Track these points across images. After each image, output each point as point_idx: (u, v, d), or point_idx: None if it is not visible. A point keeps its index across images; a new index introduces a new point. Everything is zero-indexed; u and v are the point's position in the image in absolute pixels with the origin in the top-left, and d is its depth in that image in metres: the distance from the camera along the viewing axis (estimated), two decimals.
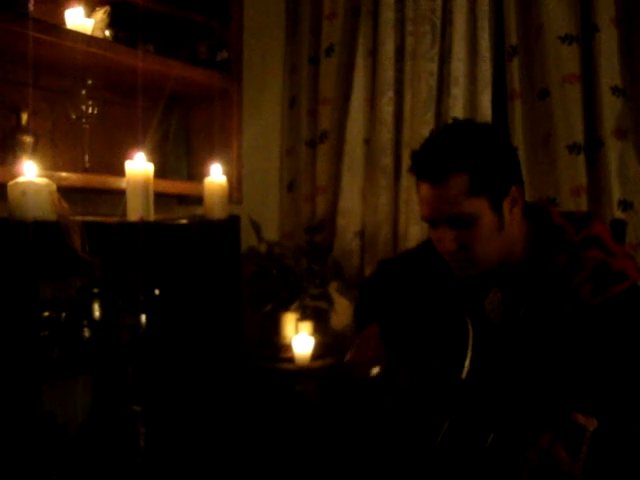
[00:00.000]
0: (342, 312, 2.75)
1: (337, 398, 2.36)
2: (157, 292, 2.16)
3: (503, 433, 1.19)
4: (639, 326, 1.31)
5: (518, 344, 1.39)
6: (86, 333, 1.96)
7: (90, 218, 1.82)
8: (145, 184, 1.89)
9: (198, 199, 2.23)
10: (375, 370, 1.50)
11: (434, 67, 2.68)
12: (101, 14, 2.23)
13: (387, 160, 2.80)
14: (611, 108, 2.33)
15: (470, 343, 1.34)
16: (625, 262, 1.37)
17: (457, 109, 2.60)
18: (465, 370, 1.31)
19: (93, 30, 2.17)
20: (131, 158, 1.89)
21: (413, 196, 2.69)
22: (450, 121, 2.56)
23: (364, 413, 1.55)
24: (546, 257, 1.41)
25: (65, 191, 1.75)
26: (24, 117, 2.07)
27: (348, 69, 2.92)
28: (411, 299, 1.62)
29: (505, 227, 1.40)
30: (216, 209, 2.17)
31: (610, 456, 1.04)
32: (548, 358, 1.33)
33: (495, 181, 1.37)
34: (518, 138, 2.50)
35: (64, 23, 2.09)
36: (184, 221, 2.19)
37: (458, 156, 1.35)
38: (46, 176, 1.67)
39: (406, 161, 2.73)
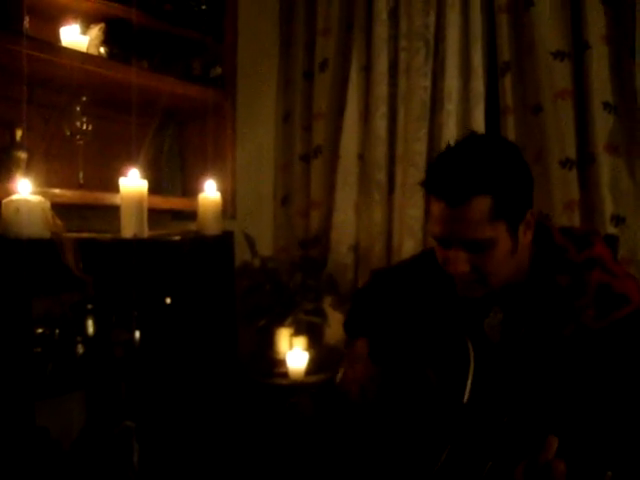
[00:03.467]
0: (336, 327, 2.74)
1: (331, 417, 2.35)
2: (151, 308, 2.16)
3: (501, 461, 1.16)
4: None
5: (518, 367, 1.35)
6: (80, 349, 1.96)
7: (84, 235, 1.82)
8: (139, 201, 1.89)
9: (192, 214, 2.24)
10: (366, 390, 1.49)
11: (427, 83, 2.70)
12: (96, 31, 2.24)
13: (381, 175, 2.81)
14: (603, 124, 2.35)
15: (471, 366, 1.31)
16: (628, 284, 1.34)
17: (450, 124, 2.62)
18: (467, 393, 1.28)
19: (88, 47, 2.18)
20: (125, 174, 1.90)
21: (407, 211, 2.70)
22: (445, 137, 2.58)
23: (359, 433, 1.54)
24: (548, 278, 1.38)
25: (59, 207, 1.75)
26: (18, 133, 2.07)
27: (342, 84, 2.93)
28: (406, 315, 1.58)
29: (518, 250, 1.37)
30: (210, 224, 2.17)
31: None
32: (548, 383, 1.30)
33: (515, 205, 1.33)
34: None
35: (59, 40, 2.10)
36: (178, 237, 2.19)
37: (482, 177, 1.28)
38: (40, 193, 1.67)
39: (400, 176, 2.75)
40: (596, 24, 2.34)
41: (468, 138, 1.44)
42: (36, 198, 1.64)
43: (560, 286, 1.35)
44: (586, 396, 1.25)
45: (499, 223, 1.31)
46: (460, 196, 1.28)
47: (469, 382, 1.29)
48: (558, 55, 2.41)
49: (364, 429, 1.51)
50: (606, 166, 2.34)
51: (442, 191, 1.32)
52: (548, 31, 2.42)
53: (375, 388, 1.49)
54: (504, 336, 1.43)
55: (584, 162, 2.40)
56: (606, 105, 2.35)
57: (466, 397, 1.28)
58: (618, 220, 2.34)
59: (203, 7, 2.57)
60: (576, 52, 2.41)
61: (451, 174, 1.31)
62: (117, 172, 1.93)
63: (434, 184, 1.35)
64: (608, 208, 2.34)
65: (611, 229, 2.31)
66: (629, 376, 1.25)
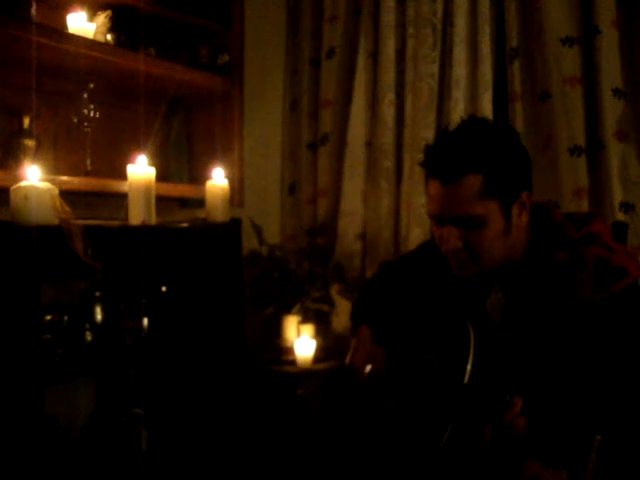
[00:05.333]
0: (343, 314, 2.74)
1: (337, 402, 2.35)
2: (159, 295, 2.16)
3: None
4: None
5: (520, 344, 1.38)
6: (88, 336, 1.96)
7: (92, 222, 1.82)
8: (147, 188, 1.89)
9: (200, 202, 2.24)
10: (373, 374, 1.50)
11: (435, 69, 2.68)
12: (103, 18, 2.24)
13: (388, 163, 2.80)
14: (612, 110, 2.33)
15: (472, 347, 1.33)
16: (626, 258, 1.36)
17: (458, 111, 2.60)
18: (467, 374, 1.30)
19: (95, 34, 2.18)
20: (133, 161, 1.90)
21: (414, 199, 2.69)
22: (452, 123, 2.56)
23: (365, 416, 1.55)
24: (546, 255, 1.41)
25: (67, 195, 1.76)
26: (26, 121, 2.08)
27: (349, 71, 2.92)
28: (411, 301, 1.61)
29: (511, 231, 1.39)
30: (218, 212, 2.17)
31: (618, 462, 1.03)
32: (550, 358, 1.33)
33: (508, 185, 1.36)
34: None
35: (66, 27, 2.10)
36: (186, 224, 2.19)
37: (474, 156, 1.34)
38: (48, 180, 1.68)
39: (408, 163, 2.74)
40: (606, 8, 2.31)
41: (466, 121, 1.48)
42: (44, 185, 1.65)
43: (558, 262, 1.38)
44: (583, 365, 1.28)
45: (491, 201, 1.35)
46: (452, 174, 1.34)
47: (469, 363, 1.32)
48: (567, 41, 2.39)
49: (368, 413, 1.53)
50: (615, 153, 2.33)
51: (436, 170, 1.38)
52: (557, 17, 2.40)
53: (382, 367, 1.50)
54: (505, 315, 1.45)
55: (593, 149, 2.38)
56: (616, 91, 2.33)
57: (467, 378, 1.31)
58: (627, 207, 2.33)
59: None
60: (586, 37, 2.38)
61: (445, 153, 1.38)
62: (124, 159, 1.93)
63: (430, 163, 1.41)
64: (617, 195, 2.33)
65: (620, 216, 2.30)
66: (625, 346, 1.28)
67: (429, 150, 1.44)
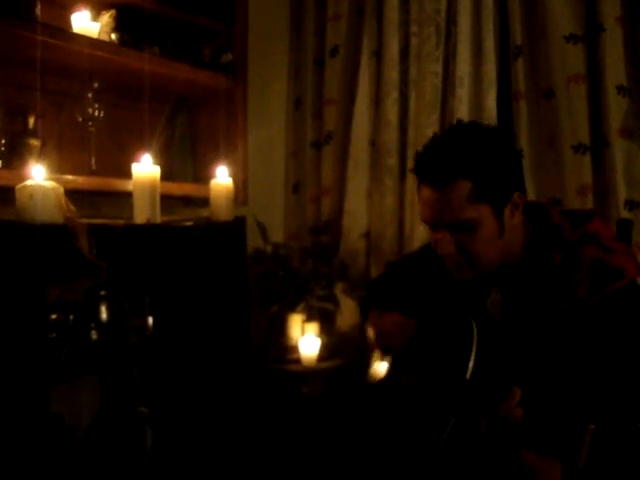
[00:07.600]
0: (348, 313, 2.75)
1: (344, 398, 2.36)
2: (164, 294, 2.17)
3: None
4: (636, 323, 1.31)
5: (519, 344, 1.39)
6: (93, 335, 1.97)
7: (97, 221, 1.82)
8: (152, 187, 1.89)
9: (204, 201, 2.24)
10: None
11: (439, 68, 2.68)
12: (107, 18, 2.25)
13: (392, 161, 2.80)
14: (617, 107, 2.33)
15: (474, 344, 1.35)
16: (623, 259, 1.36)
17: (462, 110, 2.60)
18: (469, 371, 1.32)
19: (99, 33, 2.18)
20: (137, 160, 1.90)
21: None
22: (455, 122, 2.57)
23: (369, 413, 1.56)
24: (543, 257, 1.41)
25: (72, 194, 1.76)
26: (31, 121, 2.08)
27: (353, 70, 2.92)
28: (415, 300, 1.62)
29: (505, 233, 1.40)
30: (222, 211, 2.17)
31: (611, 455, 1.05)
32: (548, 358, 1.34)
33: (498, 188, 1.37)
34: (523, 138, 2.50)
35: (70, 27, 2.11)
36: (190, 223, 2.19)
37: (462, 161, 1.35)
38: (53, 179, 1.68)
39: (411, 162, 2.73)
40: (610, 5, 2.32)
41: (455, 126, 1.52)
42: (50, 184, 1.65)
43: (555, 264, 1.39)
44: (584, 368, 1.29)
45: (482, 205, 1.36)
46: (442, 179, 1.35)
47: (472, 360, 1.33)
48: (571, 38, 2.39)
49: (372, 409, 1.54)
50: (620, 150, 2.33)
51: (427, 176, 1.39)
52: (561, 14, 2.40)
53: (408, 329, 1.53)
54: (504, 316, 1.47)
55: (598, 147, 2.38)
56: (620, 89, 2.33)
57: (469, 374, 1.32)
58: (632, 205, 2.33)
59: None
60: (590, 35, 2.38)
61: (435, 159, 1.39)
62: (128, 158, 1.94)
63: (420, 170, 1.43)
64: (622, 193, 2.33)
65: (625, 214, 2.30)
66: (624, 349, 1.29)
67: (419, 156, 1.45)
